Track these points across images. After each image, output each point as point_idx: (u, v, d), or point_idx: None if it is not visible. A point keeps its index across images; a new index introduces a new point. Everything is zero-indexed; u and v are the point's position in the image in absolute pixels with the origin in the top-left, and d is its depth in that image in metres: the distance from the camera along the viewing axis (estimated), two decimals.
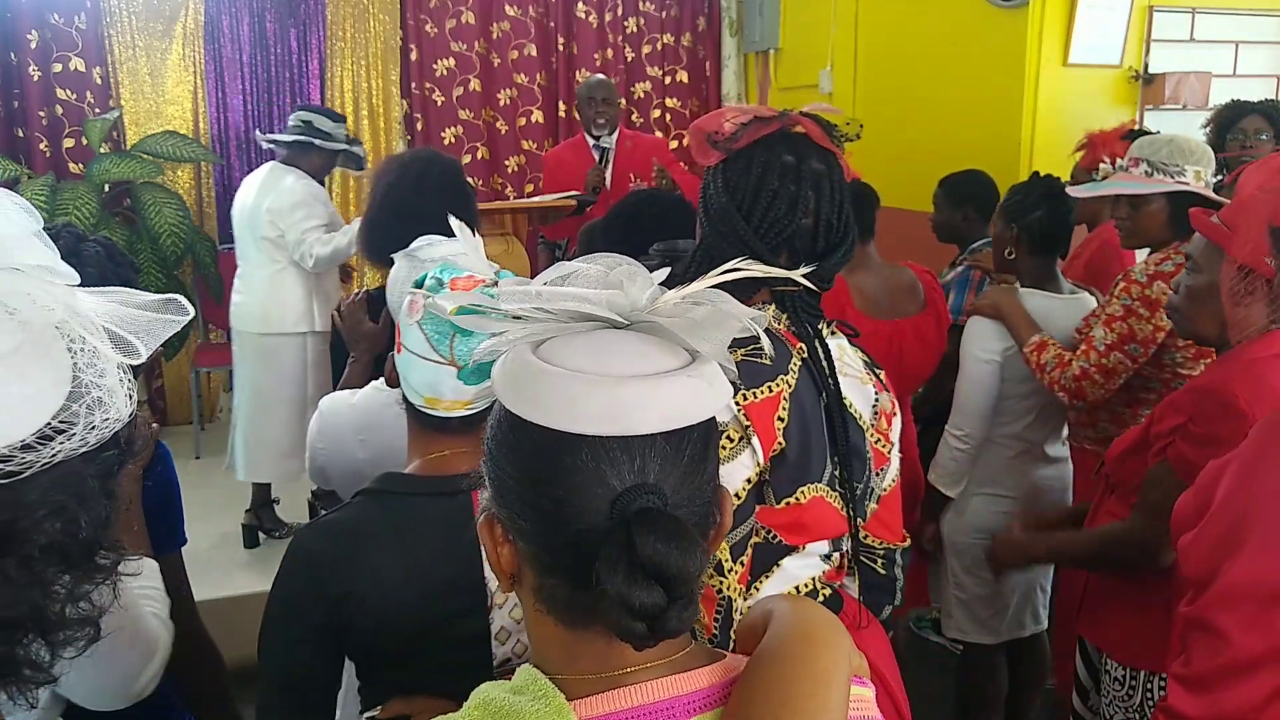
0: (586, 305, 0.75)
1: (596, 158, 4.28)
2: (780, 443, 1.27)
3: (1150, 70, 3.95)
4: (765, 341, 0.92)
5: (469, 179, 5.48)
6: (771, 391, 1.27)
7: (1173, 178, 2.26)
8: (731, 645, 0.90)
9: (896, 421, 1.47)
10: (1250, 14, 4.12)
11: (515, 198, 5.32)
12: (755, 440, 1.25)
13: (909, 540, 1.52)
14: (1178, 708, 1.18)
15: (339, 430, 1.73)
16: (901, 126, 4.50)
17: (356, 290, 2.31)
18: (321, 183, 3.97)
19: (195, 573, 1.62)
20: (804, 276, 1.13)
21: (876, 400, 1.44)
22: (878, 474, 1.43)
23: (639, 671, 0.74)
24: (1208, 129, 3.43)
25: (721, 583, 1.24)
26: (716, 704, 0.75)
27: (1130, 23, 3.88)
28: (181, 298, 0.79)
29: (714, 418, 0.77)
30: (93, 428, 0.69)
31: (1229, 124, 3.33)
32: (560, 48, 5.57)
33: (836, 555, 1.41)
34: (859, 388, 1.42)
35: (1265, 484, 1.17)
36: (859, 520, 1.38)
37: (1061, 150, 3.72)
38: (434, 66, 5.41)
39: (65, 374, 0.68)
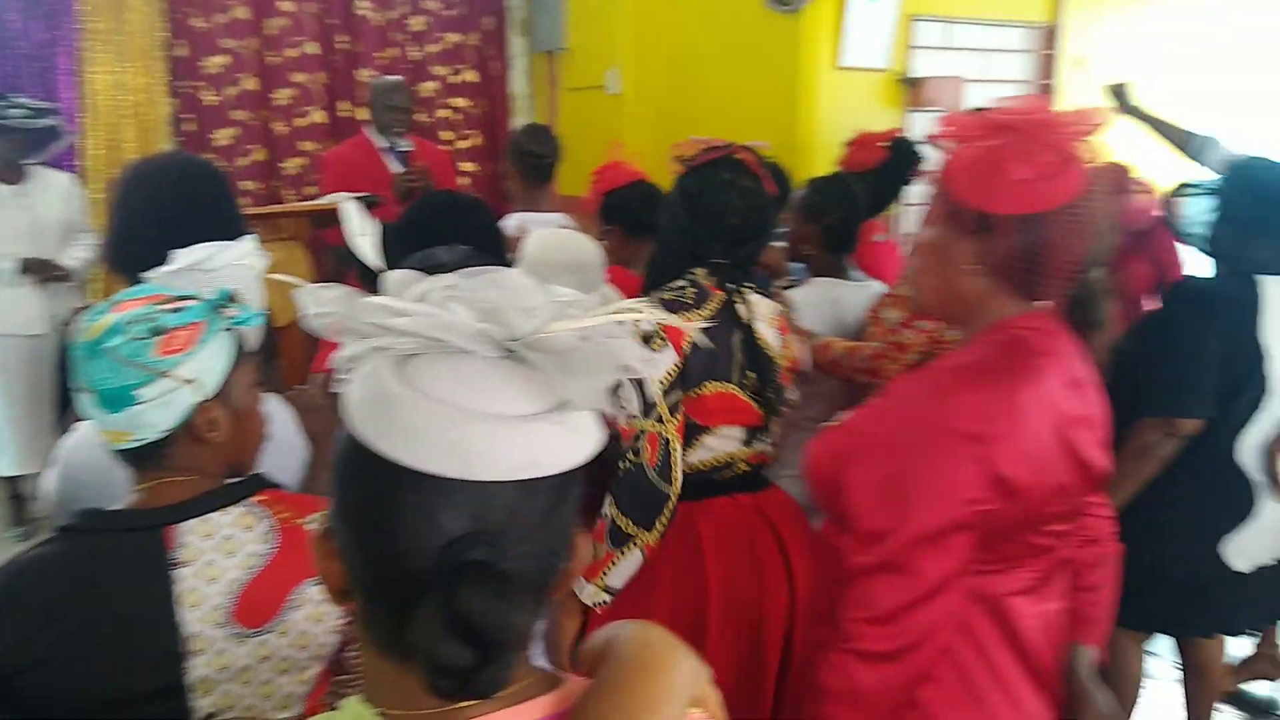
0: (448, 333, 0.69)
1: (397, 162, 4.13)
2: (686, 352, 1.85)
3: (914, 74, 4.22)
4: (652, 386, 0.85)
5: (247, 183, 5.22)
6: (683, 320, 1.83)
7: None
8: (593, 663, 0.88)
9: (805, 353, 2.19)
10: (999, 25, 4.48)
11: (297, 202, 5.09)
12: (670, 347, 1.84)
13: None
14: (868, 647, 1.29)
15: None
16: (689, 126, 4.59)
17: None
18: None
19: None
20: (734, 258, 1.93)
21: (784, 339, 2.04)
22: (788, 388, 2.04)
23: (471, 706, 0.69)
24: None
25: (663, 428, 1.84)
26: None
27: (895, 30, 4.13)
28: None
29: (579, 466, 0.72)
30: None
31: None
32: (341, 46, 5.37)
33: (757, 443, 2.00)
34: (769, 329, 2.00)
35: (921, 436, 1.29)
36: (771, 414, 1.99)
37: (836, 150, 3.91)
38: (203, 64, 5.09)
39: None
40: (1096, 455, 1.39)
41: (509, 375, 0.69)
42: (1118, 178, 3.42)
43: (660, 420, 1.84)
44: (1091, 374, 1.42)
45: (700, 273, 1.94)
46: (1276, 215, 2.24)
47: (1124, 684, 2.56)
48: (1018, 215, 1.28)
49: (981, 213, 1.31)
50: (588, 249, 2.36)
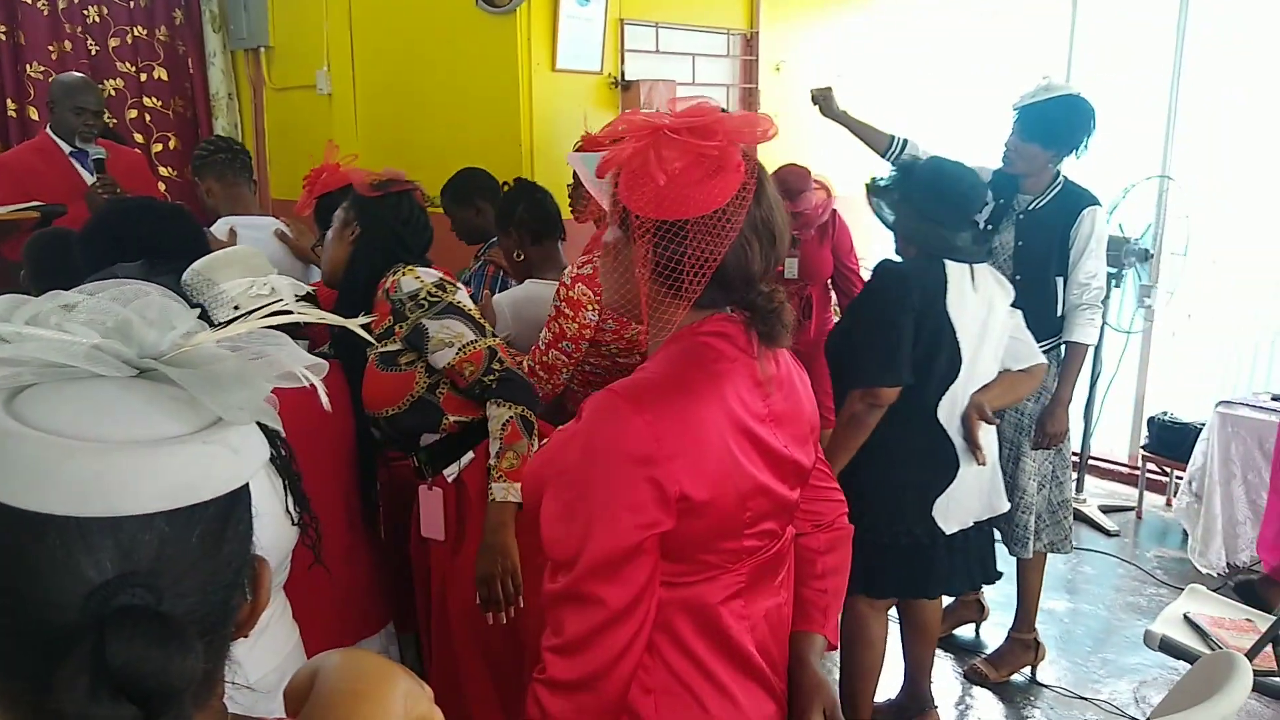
0: (65, 356, 0.60)
1: (87, 170, 3.69)
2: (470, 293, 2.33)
3: (627, 77, 4.32)
4: (322, 394, 0.73)
5: None
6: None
7: None
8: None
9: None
10: (703, 30, 4.67)
11: None
12: (462, 289, 2.20)
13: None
14: (555, 676, 1.26)
15: None
16: (407, 127, 4.49)
17: None
18: None
19: None
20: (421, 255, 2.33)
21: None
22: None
23: None
24: None
25: (498, 341, 2.18)
26: None
27: (606, 33, 4.21)
28: None
29: (244, 487, 0.65)
30: None
31: None
32: (2, 37, 4.79)
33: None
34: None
35: (597, 464, 1.25)
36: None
37: (558, 151, 3.94)
38: None
39: None
40: (795, 450, 1.39)
41: (148, 396, 0.62)
42: (798, 178, 3.68)
43: (494, 336, 2.19)
44: (794, 372, 1.43)
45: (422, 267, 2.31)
46: (945, 209, 2.52)
47: (869, 649, 2.72)
48: (653, 221, 1.25)
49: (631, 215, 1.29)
50: (247, 248, 2.38)
